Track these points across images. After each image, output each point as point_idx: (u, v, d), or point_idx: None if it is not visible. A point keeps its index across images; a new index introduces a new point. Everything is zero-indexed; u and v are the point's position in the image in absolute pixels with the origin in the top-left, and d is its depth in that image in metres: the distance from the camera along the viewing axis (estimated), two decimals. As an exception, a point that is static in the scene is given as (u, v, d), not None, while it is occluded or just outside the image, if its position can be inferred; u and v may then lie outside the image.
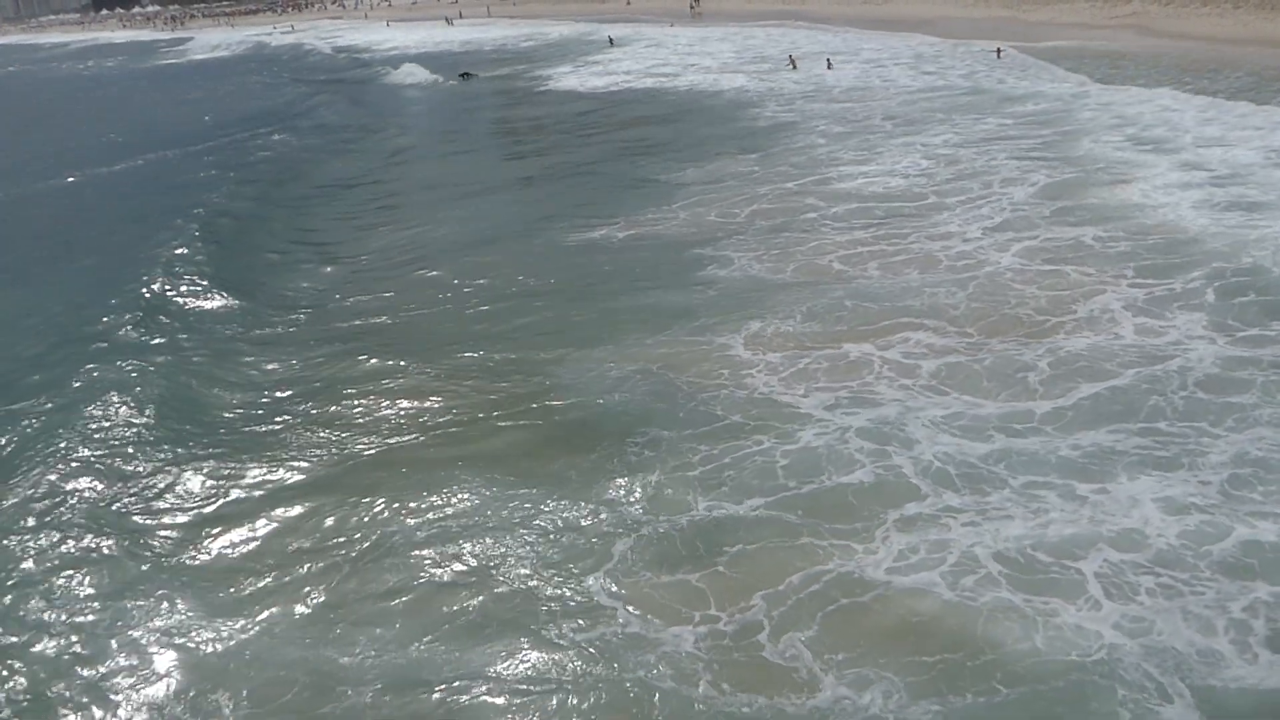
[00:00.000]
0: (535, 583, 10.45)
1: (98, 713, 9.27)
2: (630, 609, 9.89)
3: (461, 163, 35.10)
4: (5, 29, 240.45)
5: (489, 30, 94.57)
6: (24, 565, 11.37)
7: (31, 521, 12.19)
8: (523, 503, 11.84)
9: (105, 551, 11.49)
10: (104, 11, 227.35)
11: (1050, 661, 8.78)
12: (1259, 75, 34.07)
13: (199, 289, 20.88)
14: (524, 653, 9.48)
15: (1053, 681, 8.59)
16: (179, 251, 23.31)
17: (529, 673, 9.24)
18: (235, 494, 12.79)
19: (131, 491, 12.85)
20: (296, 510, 12.28)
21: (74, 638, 10.19)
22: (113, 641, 10.09)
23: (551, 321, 17.59)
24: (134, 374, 16.16)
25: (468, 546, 11.15)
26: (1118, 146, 25.92)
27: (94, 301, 20.28)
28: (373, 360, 16.57)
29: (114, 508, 12.44)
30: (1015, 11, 57.31)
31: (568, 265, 20.85)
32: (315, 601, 10.54)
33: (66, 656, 9.95)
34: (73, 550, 11.54)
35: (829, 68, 45.19)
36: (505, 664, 9.37)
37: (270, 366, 16.83)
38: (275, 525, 12.04)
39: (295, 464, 13.39)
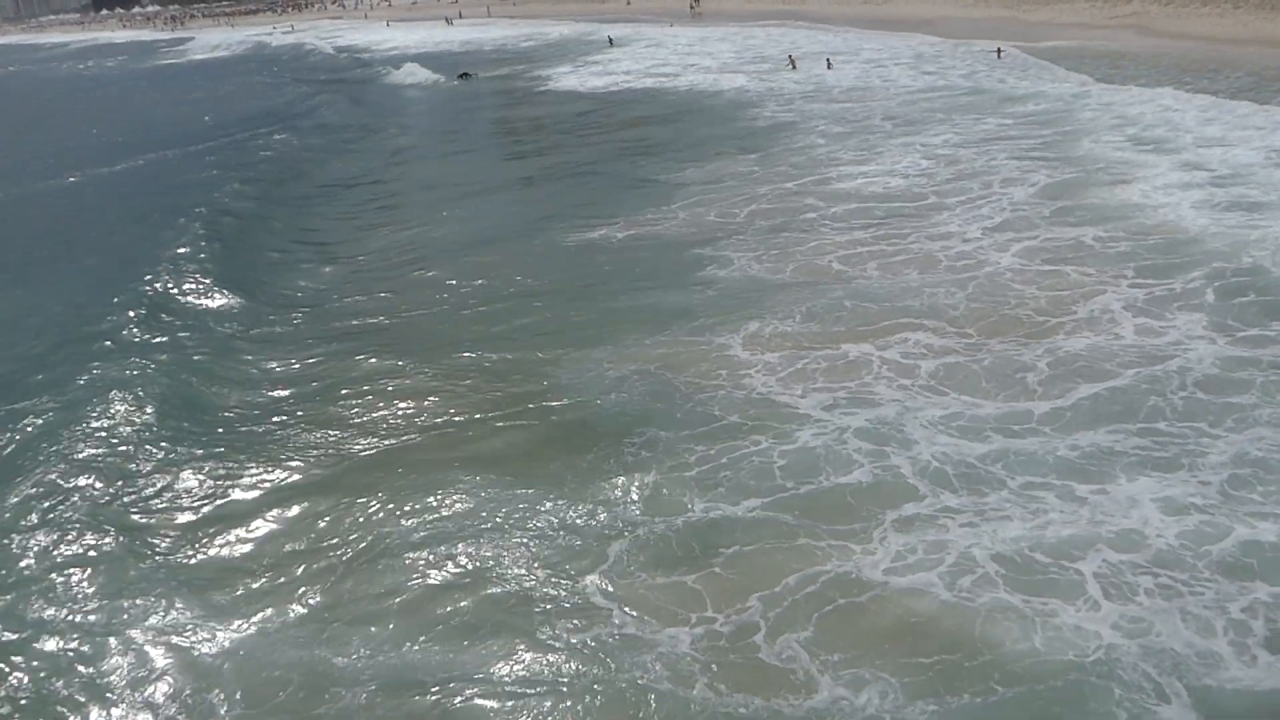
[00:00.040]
0: (531, 584, 10.42)
1: (92, 711, 9.24)
2: (626, 610, 9.85)
3: (461, 162, 35.09)
4: (5, 29, 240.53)
5: (489, 30, 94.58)
6: (22, 563, 11.35)
7: (30, 520, 12.16)
8: (519, 503, 11.81)
9: (103, 550, 11.45)
10: (104, 11, 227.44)
11: (1048, 662, 8.75)
12: (1259, 75, 34.04)
13: (201, 289, 20.84)
14: (519, 654, 9.44)
15: (1050, 681, 8.56)
16: (181, 251, 23.26)
17: (524, 674, 9.21)
18: (233, 494, 12.77)
19: (131, 491, 12.82)
20: (294, 510, 12.25)
21: (70, 636, 10.16)
22: (110, 640, 10.05)
23: (550, 322, 17.56)
24: (135, 373, 16.10)
25: (463, 547, 11.12)
26: (1118, 146, 25.90)
27: (96, 301, 20.23)
28: (372, 360, 16.57)
29: (113, 506, 12.41)
30: (1015, 11, 57.30)
31: (567, 265, 20.83)
32: (310, 602, 10.52)
33: (62, 654, 9.93)
34: (71, 549, 11.50)
35: (829, 68, 45.18)
36: (500, 665, 9.33)
37: (270, 366, 16.81)
38: (272, 525, 12.02)
39: (294, 464, 13.36)
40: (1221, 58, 37.92)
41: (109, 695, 9.39)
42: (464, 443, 13.48)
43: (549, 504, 11.72)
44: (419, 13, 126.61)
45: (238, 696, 9.26)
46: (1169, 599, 9.37)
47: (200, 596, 10.67)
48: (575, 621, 9.76)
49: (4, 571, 11.25)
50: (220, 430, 14.49)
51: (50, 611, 10.54)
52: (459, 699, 8.97)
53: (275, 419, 14.75)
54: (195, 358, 17.23)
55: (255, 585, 10.88)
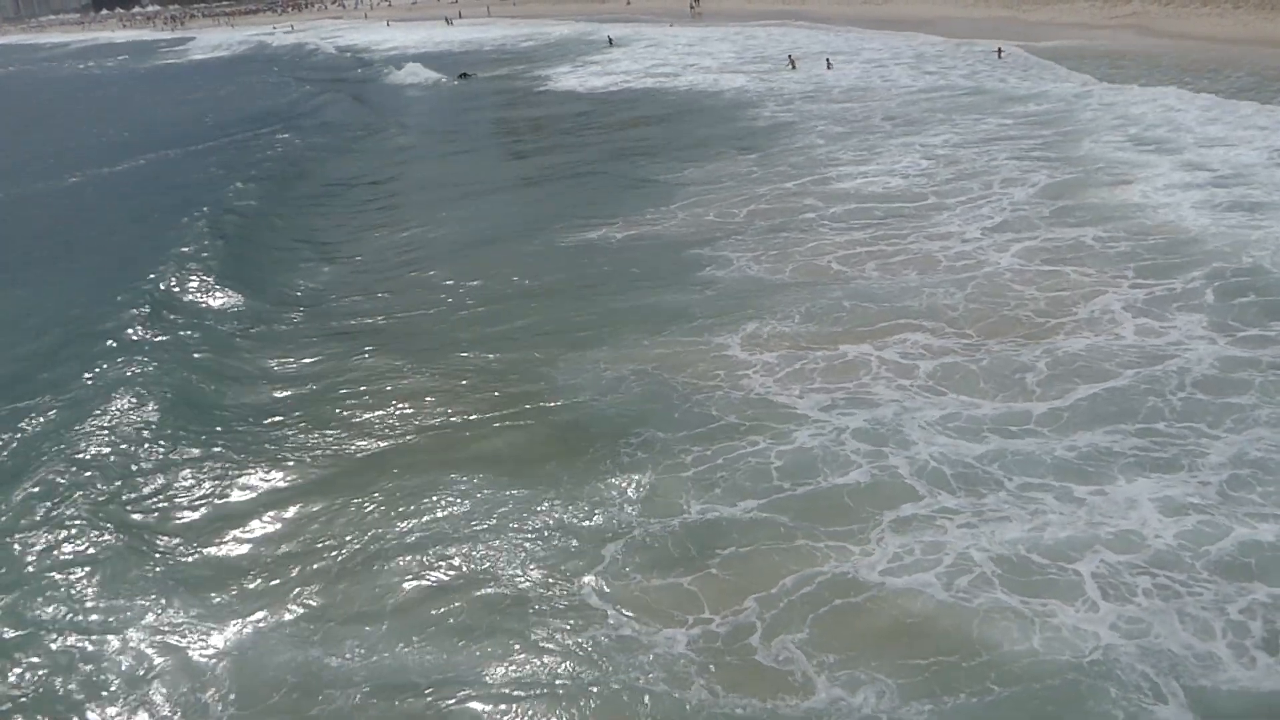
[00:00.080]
0: (526, 585, 10.38)
1: (88, 709, 9.20)
2: (622, 611, 9.81)
3: (461, 162, 35.06)
4: (5, 29, 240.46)
5: (489, 30, 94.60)
6: (20, 561, 11.30)
7: (28, 518, 12.10)
8: (514, 504, 11.77)
9: (101, 549, 11.37)
10: (104, 11, 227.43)
11: (1046, 662, 8.71)
12: (1260, 75, 34.00)
13: (203, 288, 20.77)
14: (514, 656, 9.40)
15: (1047, 681, 8.52)
16: (184, 250, 23.16)
17: (519, 676, 9.16)
18: (231, 493, 12.74)
19: (131, 489, 12.77)
20: (291, 511, 12.22)
21: (66, 633, 10.12)
22: (106, 638, 10.01)
23: (548, 322, 17.52)
24: (137, 371, 16.04)
25: (458, 548, 11.07)
26: (1119, 146, 25.86)
27: (100, 300, 20.18)
28: (370, 360, 16.55)
29: (112, 505, 12.33)
30: (1015, 11, 57.27)
31: (565, 265, 20.80)
32: (306, 602, 10.48)
33: (58, 652, 9.89)
34: (70, 547, 11.44)
35: (828, 68, 45.14)
36: (495, 667, 9.29)
37: (270, 366, 16.79)
38: (269, 525, 11.99)
39: (291, 464, 13.34)
40: (1222, 57, 37.88)
41: (104, 694, 9.35)
42: (460, 443, 13.45)
43: (545, 505, 11.68)
44: (419, 12, 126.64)
45: (233, 696, 9.22)
46: (1167, 600, 9.33)
47: (196, 596, 10.63)
48: (570, 623, 9.71)
49: (3, 569, 11.21)
50: (219, 430, 14.46)
51: (46, 609, 10.48)
52: (453, 701, 8.92)
53: (274, 419, 14.72)
54: (196, 357, 17.17)
55: (251, 585, 10.84)
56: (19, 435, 14.49)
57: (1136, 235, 18.93)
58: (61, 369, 16.70)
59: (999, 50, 43.64)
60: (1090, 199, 21.56)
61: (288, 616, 10.28)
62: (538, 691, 8.94)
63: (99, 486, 12.73)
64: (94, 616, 10.35)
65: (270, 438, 14.13)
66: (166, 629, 10.14)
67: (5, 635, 10.17)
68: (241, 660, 9.66)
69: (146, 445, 13.87)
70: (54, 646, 9.98)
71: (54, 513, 12.15)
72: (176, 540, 11.76)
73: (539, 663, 9.28)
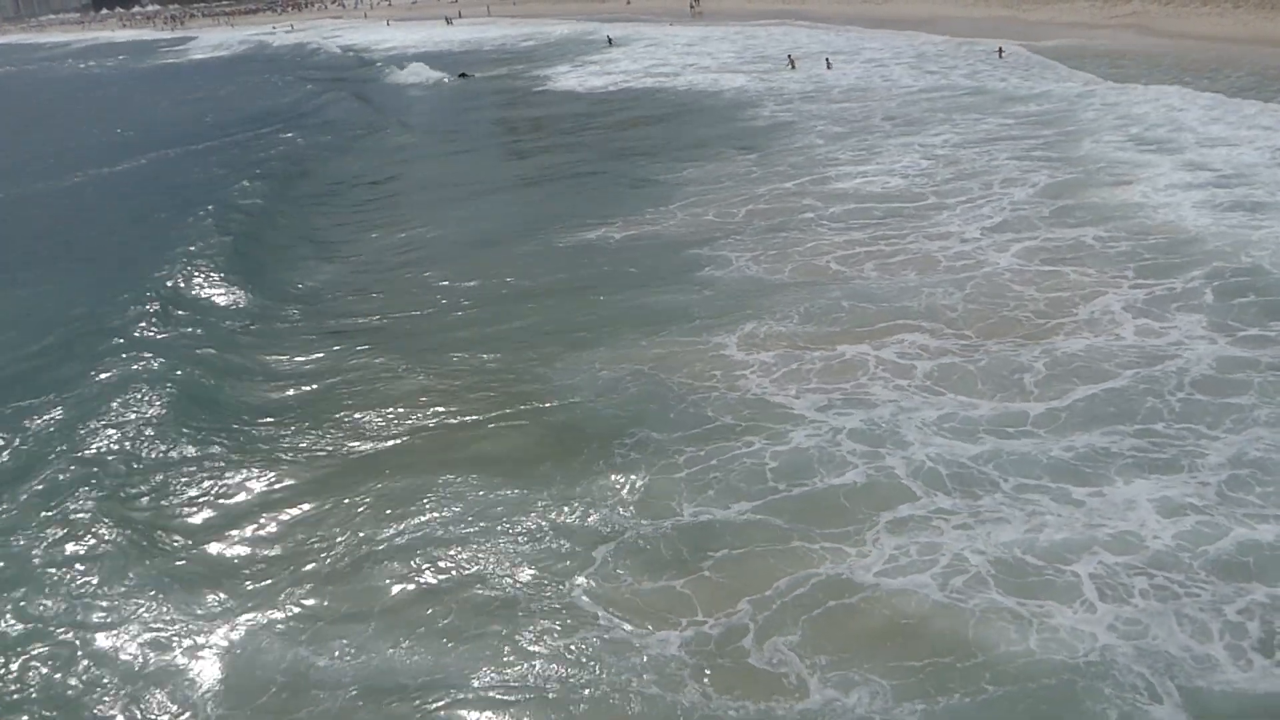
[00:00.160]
0: (516, 587, 10.32)
1: (80, 707, 9.19)
2: (613, 613, 9.75)
3: (462, 162, 35.03)
4: (5, 29, 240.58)
5: (489, 30, 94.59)
6: (18, 559, 11.30)
7: (25, 517, 12.13)
8: (507, 505, 11.71)
9: (99, 548, 11.33)
10: (104, 11, 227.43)
11: (1042, 663, 8.66)
12: (1261, 74, 33.93)
13: (208, 288, 20.76)
14: (503, 658, 9.33)
15: (1044, 681, 8.48)
16: (191, 248, 23.16)
17: (509, 679, 9.10)
18: (227, 492, 12.70)
19: (130, 488, 12.73)
20: (285, 511, 12.18)
21: (60, 630, 10.12)
22: (101, 635, 10.00)
23: (546, 322, 17.47)
24: (139, 371, 16.00)
25: (449, 549, 11.02)
26: (1120, 146, 25.79)
27: (104, 299, 20.22)
28: (369, 361, 16.50)
29: (111, 504, 12.24)
30: (1015, 11, 57.20)
31: (564, 266, 20.74)
32: (296, 602, 10.42)
33: (50, 647, 9.89)
34: (68, 546, 11.41)
35: (828, 68, 45.06)
36: (484, 669, 9.22)
37: (270, 366, 16.75)
38: (264, 525, 11.94)
39: (288, 464, 13.29)
40: (1222, 57, 37.81)
41: (96, 690, 9.33)
42: (454, 444, 13.39)
43: (537, 506, 11.62)
44: (419, 12, 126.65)
45: (223, 696, 9.18)
46: (1165, 601, 9.27)
47: (190, 595, 10.58)
48: (561, 625, 9.65)
49: (1, 564, 11.22)
50: (219, 430, 14.42)
51: (40, 607, 10.47)
52: (441, 703, 8.86)
53: (273, 418, 14.69)
54: (200, 355, 17.09)
55: (244, 585, 10.79)
56: (24, 432, 14.48)
57: (1137, 235, 18.87)
58: (69, 367, 16.71)
59: (1000, 50, 43.56)
60: (1091, 199, 21.50)
61: (279, 616, 10.22)
62: (527, 695, 8.88)
63: (100, 485, 12.68)
64: (90, 614, 10.31)
65: (269, 437, 14.09)
66: (161, 627, 10.10)
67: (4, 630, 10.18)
68: (233, 659, 9.61)
69: (148, 444, 13.84)
70: (49, 642, 9.97)
71: (54, 511, 12.13)
72: (173, 539, 11.72)
73: (529, 666, 9.21)
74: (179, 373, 16.03)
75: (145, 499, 12.55)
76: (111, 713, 9.10)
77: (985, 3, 60.35)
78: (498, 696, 8.89)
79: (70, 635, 10.05)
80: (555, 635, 9.54)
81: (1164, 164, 23.47)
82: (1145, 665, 8.52)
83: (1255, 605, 9.12)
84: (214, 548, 11.58)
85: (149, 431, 14.11)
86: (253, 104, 55.84)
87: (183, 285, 20.81)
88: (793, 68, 46.39)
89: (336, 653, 9.57)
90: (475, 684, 9.06)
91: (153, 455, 13.58)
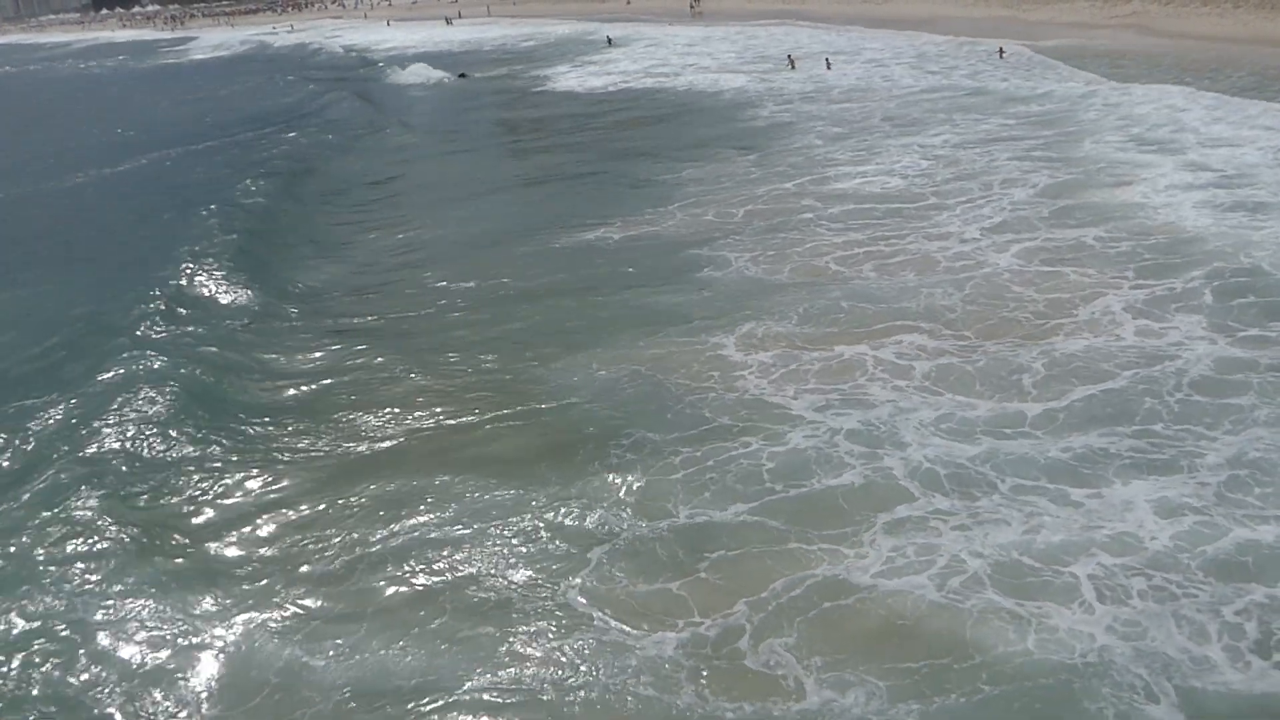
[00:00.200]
0: (511, 588, 10.30)
1: (74, 704, 9.19)
2: (608, 615, 9.73)
3: (462, 162, 35.01)
4: (5, 29, 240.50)
5: (489, 30, 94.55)
6: (15, 557, 11.30)
7: (27, 514, 12.12)
8: (502, 506, 11.70)
9: (98, 546, 11.33)
10: (104, 11, 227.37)
11: (1039, 663, 8.66)
12: (1261, 74, 33.89)
13: (212, 288, 20.72)
14: (499, 659, 9.31)
15: (1041, 681, 8.48)
16: (197, 248, 23.14)
17: (504, 680, 9.08)
18: (226, 493, 12.68)
19: (130, 486, 12.70)
20: (282, 511, 12.16)
21: (57, 627, 10.12)
22: (98, 634, 10.00)
23: (545, 323, 17.45)
24: (144, 370, 15.98)
25: (444, 551, 11.00)
26: (1121, 146, 25.74)
27: (114, 297, 20.27)
28: (368, 362, 16.48)
29: (111, 502, 12.24)
30: (1015, 11, 57.17)
31: (563, 266, 20.72)
32: (292, 603, 10.41)
33: (47, 647, 9.88)
34: (67, 544, 11.40)
35: (828, 68, 45.02)
36: (480, 671, 9.20)
37: (270, 366, 16.73)
38: (261, 525, 11.93)
39: (285, 465, 13.28)
40: (1222, 57, 37.77)
41: (91, 688, 9.34)
42: (450, 445, 13.37)
43: (532, 507, 11.60)
44: (419, 12, 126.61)
45: (219, 696, 9.18)
46: (1163, 602, 9.26)
47: (185, 594, 10.56)
48: (555, 627, 9.63)
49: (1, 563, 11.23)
50: (218, 430, 14.37)
51: (40, 604, 10.46)
52: (437, 705, 8.83)
53: (273, 418, 14.67)
54: (203, 355, 17.05)
55: (242, 586, 10.77)
56: (27, 431, 14.50)
57: (1137, 235, 18.83)
58: (72, 366, 16.74)
59: (1000, 50, 43.52)
60: (1091, 199, 21.46)
61: (274, 616, 10.21)
62: (522, 697, 8.85)
63: (101, 484, 12.65)
64: (89, 613, 10.30)
65: (268, 437, 14.08)
66: (158, 626, 10.10)
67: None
68: (228, 659, 9.61)
69: (149, 444, 13.83)
70: (47, 639, 9.97)
71: (54, 509, 12.10)
72: (171, 539, 11.70)
73: (523, 667, 9.19)
74: (182, 372, 16.01)
75: (145, 498, 12.53)
76: (108, 711, 9.09)
77: (985, 3, 60.31)
78: (492, 699, 8.86)
79: (68, 632, 10.04)
80: (550, 637, 9.51)
81: (1165, 164, 23.43)
82: (1143, 666, 8.52)
83: (1253, 606, 9.11)
84: (211, 547, 11.56)
85: (150, 431, 14.10)
86: (254, 104, 55.84)
87: (186, 285, 20.77)
88: (792, 68, 46.36)
89: (331, 653, 9.55)
90: (469, 686, 9.03)
91: (154, 455, 13.57)
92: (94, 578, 10.82)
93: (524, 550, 10.88)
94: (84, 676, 9.48)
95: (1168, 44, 42.28)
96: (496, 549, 10.94)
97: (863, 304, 16.76)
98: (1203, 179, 21.93)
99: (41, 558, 11.20)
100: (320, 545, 11.38)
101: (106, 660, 9.66)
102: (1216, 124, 26.80)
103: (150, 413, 14.56)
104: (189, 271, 21.39)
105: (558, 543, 10.92)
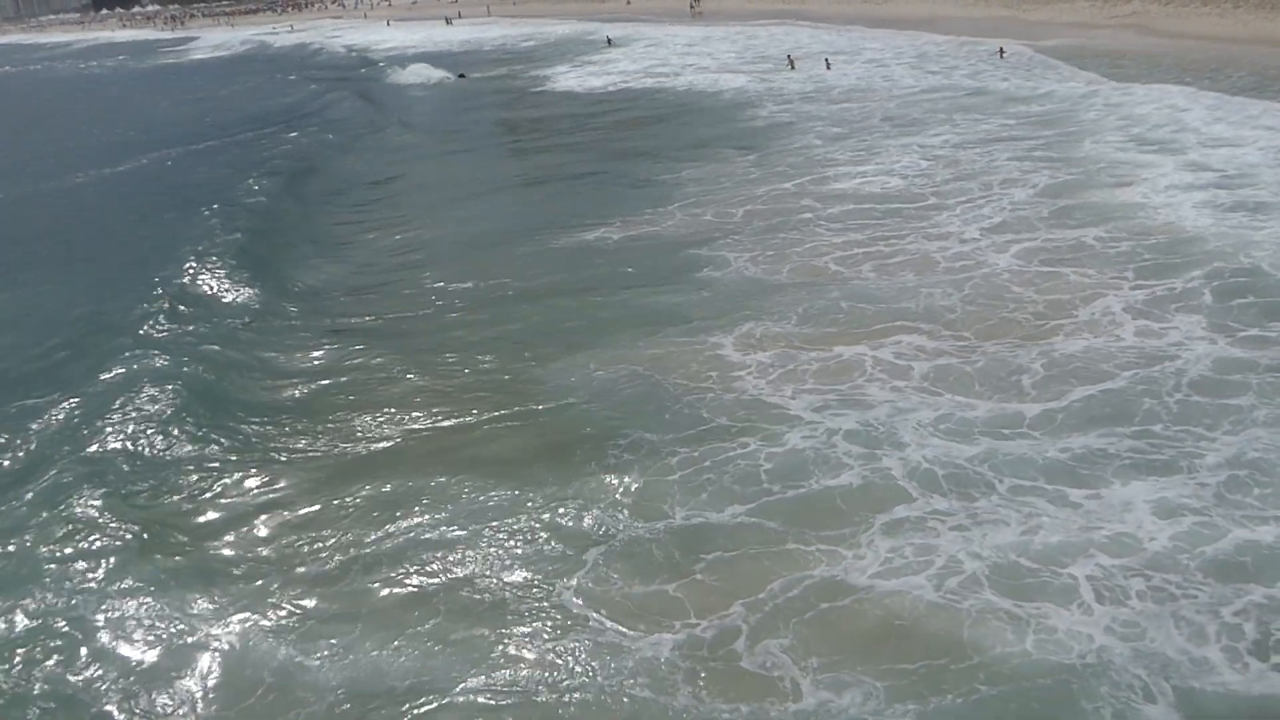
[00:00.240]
0: (506, 589, 10.27)
1: (69, 702, 9.19)
2: (603, 617, 9.70)
3: (462, 162, 34.98)
4: (5, 29, 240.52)
5: (488, 30, 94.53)
6: (13, 555, 11.31)
7: (25, 513, 12.14)
8: (498, 507, 11.67)
9: (97, 546, 11.35)
10: (104, 11, 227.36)
11: (1037, 664, 8.64)
12: (1261, 74, 33.84)
13: (208, 290, 20.67)
14: (494, 660, 9.28)
15: (1039, 681, 8.46)
16: (200, 247, 23.15)
17: (499, 681, 9.05)
18: (224, 493, 12.67)
19: (129, 486, 12.71)
20: (277, 512, 12.15)
21: (54, 625, 10.12)
22: (95, 632, 10.01)
23: (543, 323, 17.42)
24: (147, 369, 16.00)
25: (441, 551, 10.98)
26: (1121, 147, 25.70)
27: (106, 299, 20.31)
28: (366, 363, 16.45)
29: (111, 501, 12.24)
30: (1015, 11, 57.15)
31: (562, 266, 20.70)
32: (288, 603, 10.39)
33: (45, 644, 9.88)
34: (66, 543, 11.41)
35: (828, 68, 44.98)
36: (474, 672, 9.17)
37: (271, 365, 16.73)
38: (257, 526, 11.92)
39: (283, 465, 13.26)
40: (1222, 57, 37.73)
41: (90, 687, 9.34)
42: (448, 446, 13.33)
43: (528, 508, 11.57)
44: (419, 12, 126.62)
45: (213, 696, 9.17)
46: (1162, 603, 9.23)
47: (185, 594, 10.54)
48: (552, 628, 9.60)
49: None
50: (217, 430, 14.35)
51: (38, 603, 10.47)
52: (431, 706, 8.81)
53: (271, 420, 14.64)
54: (201, 354, 16.96)
55: (239, 586, 10.76)
56: (30, 430, 14.51)
57: (1137, 236, 18.79)
58: (76, 365, 16.75)
59: (1001, 50, 43.49)
60: (1091, 199, 21.42)
61: (270, 616, 10.19)
62: (516, 698, 8.82)
63: (102, 484, 12.64)
64: (87, 612, 10.29)
65: (267, 438, 14.06)
66: (156, 624, 10.09)
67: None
68: (223, 659, 9.60)
69: (150, 442, 13.82)
70: (45, 637, 9.97)
71: (55, 508, 12.09)
72: (168, 538, 11.67)
73: (518, 668, 9.15)
74: (185, 371, 15.98)
75: (146, 497, 12.52)
76: (105, 709, 9.10)
77: (985, 3, 60.29)
78: (486, 701, 8.83)
79: (67, 629, 10.05)
80: (545, 638, 9.49)
81: (1166, 164, 23.39)
82: (1141, 666, 8.50)
83: (1252, 606, 9.08)
84: (210, 547, 11.55)
85: (151, 430, 14.09)
86: (255, 104, 55.87)
87: (188, 284, 20.75)
88: (792, 68, 46.33)
89: (326, 653, 9.53)
90: (463, 687, 9.00)
91: (154, 454, 13.57)
92: (94, 576, 10.82)
93: (520, 551, 10.85)
94: (81, 674, 9.48)
95: (1168, 44, 42.25)
96: (492, 550, 10.91)
97: (862, 304, 16.73)
98: (1203, 179, 21.89)
99: (42, 555, 11.20)
100: (317, 545, 11.36)
101: (104, 658, 9.66)
102: (1217, 124, 26.75)
103: (151, 412, 14.56)
104: (191, 271, 21.39)
105: (554, 544, 10.89)
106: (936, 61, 44.48)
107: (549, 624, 9.67)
